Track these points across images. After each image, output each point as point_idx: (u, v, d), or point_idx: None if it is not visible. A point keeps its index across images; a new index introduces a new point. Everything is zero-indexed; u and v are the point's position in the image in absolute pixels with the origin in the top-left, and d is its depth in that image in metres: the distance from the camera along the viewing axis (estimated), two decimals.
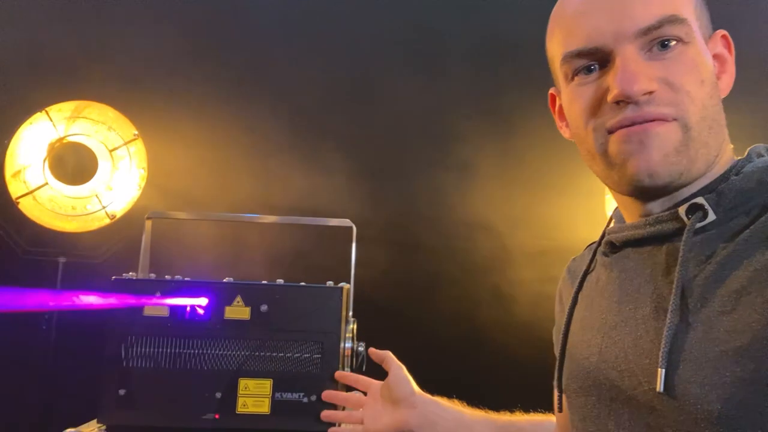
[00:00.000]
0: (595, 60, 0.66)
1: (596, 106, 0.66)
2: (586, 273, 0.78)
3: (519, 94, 1.73)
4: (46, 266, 1.70)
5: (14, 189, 1.64)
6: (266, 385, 1.10)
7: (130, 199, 1.73)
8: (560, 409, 0.80)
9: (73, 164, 1.71)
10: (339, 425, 1.10)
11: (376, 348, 1.12)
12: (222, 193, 1.76)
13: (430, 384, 1.07)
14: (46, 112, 1.67)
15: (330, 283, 1.17)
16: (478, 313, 1.79)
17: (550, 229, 1.76)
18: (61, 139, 1.69)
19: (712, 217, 0.61)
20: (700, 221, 0.61)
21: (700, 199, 0.61)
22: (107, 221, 1.71)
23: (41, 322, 1.65)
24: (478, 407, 1.04)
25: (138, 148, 1.75)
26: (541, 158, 1.79)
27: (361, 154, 1.83)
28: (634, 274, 0.67)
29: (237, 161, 1.80)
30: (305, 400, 1.10)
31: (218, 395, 1.09)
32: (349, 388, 1.14)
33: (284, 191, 1.75)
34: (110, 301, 1.06)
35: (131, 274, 1.16)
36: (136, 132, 1.73)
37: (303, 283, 1.17)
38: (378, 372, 1.09)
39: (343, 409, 1.13)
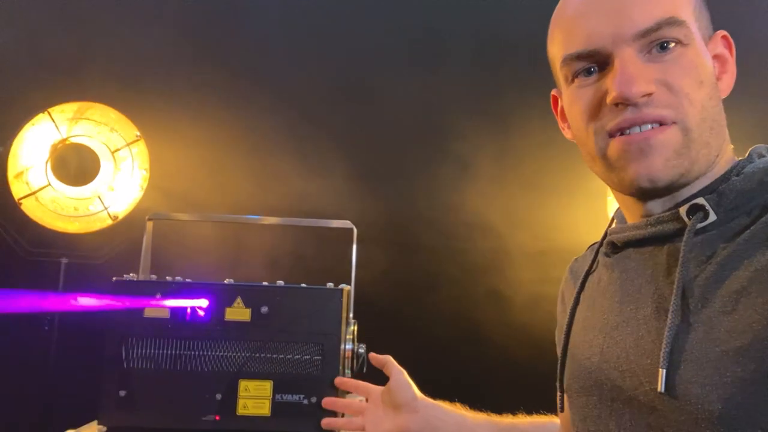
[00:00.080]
0: (595, 62, 0.66)
1: (596, 109, 0.66)
2: (588, 273, 0.78)
3: (519, 95, 1.73)
4: (48, 267, 1.70)
5: (17, 190, 1.64)
6: (266, 386, 1.10)
7: (132, 200, 1.74)
8: (562, 409, 0.79)
9: (75, 165, 1.71)
10: None
11: (377, 350, 1.12)
12: (223, 195, 1.76)
13: (430, 385, 1.07)
14: (49, 113, 1.67)
15: (330, 285, 1.17)
16: (478, 314, 1.78)
17: (551, 229, 1.75)
18: (64, 140, 1.70)
19: (712, 217, 0.61)
20: (700, 222, 0.61)
21: (700, 200, 0.62)
22: (109, 222, 1.72)
23: (43, 323, 1.65)
24: (480, 409, 1.03)
25: (140, 150, 1.75)
26: (542, 159, 1.79)
27: (361, 156, 1.83)
28: (635, 274, 0.68)
29: (238, 162, 1.80)
30: (305, 402, 1.10)
31: (218, 397, 1.09)
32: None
33: (285, 193, 1.75)
34: (110, 302, 1.06)
35: (132, 275, 1.16)
36: (139, 133, 1.74)
37: (303, 285, 1.17)
38: (379, 372, 1.09)
39: (343, 415, 1.12)
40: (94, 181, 1.72)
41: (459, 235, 1.81)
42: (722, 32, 0.69)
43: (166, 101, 1.80)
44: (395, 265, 1.75)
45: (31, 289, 1.67)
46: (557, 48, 0.70)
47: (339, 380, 1.11)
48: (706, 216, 0.61)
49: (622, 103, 0.63)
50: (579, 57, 0.66)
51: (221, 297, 1.12)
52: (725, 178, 0.64)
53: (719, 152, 0.65)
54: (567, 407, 0.78)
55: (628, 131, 0.63)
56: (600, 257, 0.77)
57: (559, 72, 0.71)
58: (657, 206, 0.67)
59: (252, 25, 1.85)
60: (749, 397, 0.52)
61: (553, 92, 0.79)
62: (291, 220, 1.38)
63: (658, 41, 0.63)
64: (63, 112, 1.70)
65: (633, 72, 0.62)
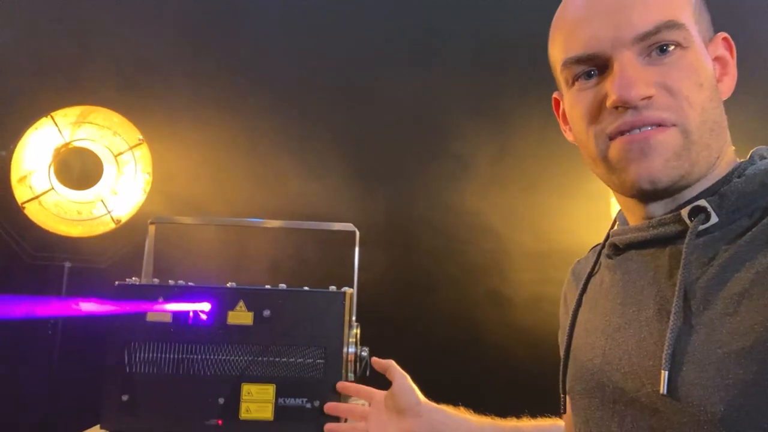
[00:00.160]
0: (594, 66, 0.66)
1: (596, 112, 0.67)
2: (590, 275, 0.78)
3: (520, 95, 1.73)
4: (51, 271, 1.71)
5: (20, 194, 1.65)
6: (269, 390, 1.10)
7: (135, 204, 1.74)
8: (565, 411, 0.80)
9: (78, 169, 1.72)
10: None
11: (381, 353, 1.12)
12: (226, 198, 1.76)
13: (433, 388, 1.07)
14: (52, 117, 1.67)
15: (333, 288, 1.17)
16: (480, 315, 1.78)
17: (553, 230, 1.75)
18: (67, 144, 1.70)
19: (714, 219, 0.61)
20: (702, 223, 0.61)
21: (702, 202, 0.62)
22: (112, 226, 1.72)
23: (47, 327, 1.65)
24: (483, 412, 1.03)
25: (143, 153, 1.75)
26: (543, 159, 1.78)
27: (361, 157, 1.83)
28: (637, 276, 0.68)
29: (241, 165, 1.80)
30: (308, 405, 1.10)
31: (221, 401, 1.08)
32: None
33: (287, 195, 1.75)
34: (112, 307, 1.06)
35: (134, 279, 1.16)
36: (141, 137, 1.74)
37: (306, 288, 1.17)
38: (383, 375, 1.08)
39: (346, 420, 1.12)
40: (97, 185, 1.72)
41: (460, 235, 1.81)
42: (723, 34, 0.69)
43: (168, 105, 1.81)
44: (397, 266, 1.75)
45: (34, 292, 1.67)
46: (558, 51, 0.71)
47: (341, 385, 1.10)
48: (708, 218, 0.61)
49: (622, 106, 0.63)
50: (579, 60, 0.67)
51: (223, 300, 1.12)
52: (727, 179, 0.64)
53: (720, 154, 0.65)
54: (569, 409, 0.78)
55: (628, 133, 0.64)
56: (602, 259, 0.78)
57: (560, 75, 0.72)
58: (658, 208, 0.67)
59: (253, 27, 1.86)
60: (751, 399, 0.52)
61: (555, 95, 0.79)
62: (293, 223, 1.38)
63: (657, 44, 0.63)
64: (66, 116, 1.70)
65: (632, 75, 0.62)
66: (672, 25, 0.63)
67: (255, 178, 1.78)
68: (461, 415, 1.02)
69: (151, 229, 1.27)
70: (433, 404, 1.03)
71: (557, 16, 0.72)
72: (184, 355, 1.09)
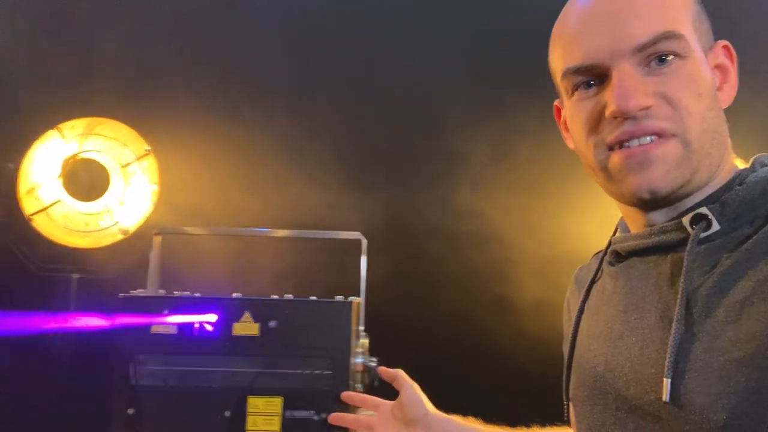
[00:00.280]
0: (594, 76, 0.67)
1: (595, 122, 0.67)
2: (593, 282, 0.79)
3: (529, 101, 1.71)
4: (59, 283, 1.70)
5: (28, 206, 1.65)
6: (276, 403, 1.08)
7: (143, 215, 1.73)
8: (568, 418, 0.80)
9: (85, 180, 1.72)
10: None
11: (390, 364, 1.10)
12: (233, 208, 1.76)
13: (441, 397, 1.05)
14: (59, 129, 1.68)
15: (339, 298, 1.15)
16: (488, 323, 1.76)
17: (561, 237, 1.73)
18: (74, 155, 1.70)
19: (716, 227, 0.61)
20: (704, 231, 0.62)
21: (703, 209, 0.62)
22: (120, 237, 1.72)
23: (55, 340, 1.65)
24: (493, 422, 1.01)
25: (150, 164, 1.75)
26: (550, 165, 1.77)
27: (367, 166, 1.82)
28: (639, 283, 0.68)
29: (247, 175, 1.79)
30: (316, 418, 1.08)
31: (227, 414, 1.07)
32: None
33: (292, 205, 1.74)
34: (117, 320, 1.05)
35: (139, 291, 1.15)
36: (148, 147, 1.74)
37: (313, 298, 1.15)
38: (392, 386, 1.06)
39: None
40: (104, 196, 1.72)
41: (465, 241, 1.79)
42: (723, 42, 0.69)
43: (175, 115, 1.81)
44: (402, 274, 1.73)
45: (42, 304, 1.67)
46: (558, 61, 0.71)
47: (346, 395, 1.09)
48: (709, 225, 0.62)
49: (621, 116, 0.63)
50: (578, 71, 0.67)
51: (229, 312, 1.10)
52: (728, 187, 0.64)
53: (721, 162, 0.66)
54: (573, 416, 0.78)
55: (627, 144, 0.64)
56: (604, 266, 0.78)
57: (560, 84, 0.72)
58: (659, 216, 0.68)
59: (257, 38, 1.85)
60: (753, 407, 0.52)
61: (556, 103, 0.80)
62: (300, 232, 1.37)
63: (656, 55, 0.63)
64: (73, 128, 1.71)
65: (630, 86, 0.62)
66: (670, 35, 0.63)
67: (261, 188, 1.77)
68: (471, 425, 1.01)
69: (156, 240, 1.26)
70: (443, 414, 1.02)
71: (557, 26, 0.72)
72: (189, 368, 1.08)
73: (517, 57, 1.74)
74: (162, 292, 1.17)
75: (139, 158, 1.74)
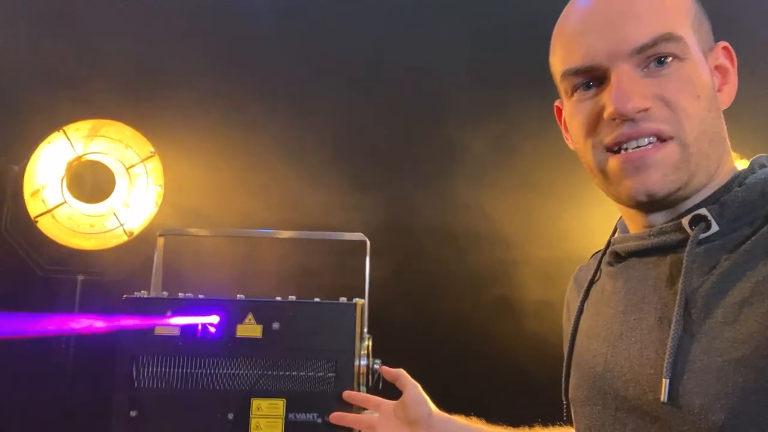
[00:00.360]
0: (592, 78, 0.67)
1: (594, 123, 0.67)
2: (592, 282, 0.79)
3: (532, 101, 1.70)
4: (64, 284, 1.70)
5: (33, 208, 1.65)
6: (279, 405, 1.07)
7: (147, 217, 1.73)
8: (567, 418, 0.80)
9: (90, 182, 1.72)
10: None
11: (390, 364, 1.09)
12: (237, 209, 1.75)
13: (444, 397, 1.04)
14: (64, 132, 1.68)
15: (343, 299, 1.14)
16: (491, 324, 1.75)
17: (564, 237, 1.73)
18: (79, 157, 1.70)
19: (715, 228, 0.62)
20: (703, 232, 0.62)
21: (703, 210, 0.62)
22: (125, 239, 1.72)
23: (60, 342, 1.65)
24: (496, 422, 1.02)
25: (155, 166, 1.75)
26: (552, 165, 1.76)
27: (369, 167, 1.81)
28: (638, 284, 0.69)
29: (252, 176, 1.79)
30: (319, 420, 1.07)
31: (230, 416, 1.06)
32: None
33: (294, 206, 1.74)
34: (120, 322, 1.05)
35: (143, 293, 1.14)
36: (153, 149, 1.74)
37: (317, 300, 1.14)
38: (397, 389, 1.06)
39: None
40: (109, 198, 1.72)
41: (468, 243, 1.79)
42: (723, 43, 0.69)
43: (180, 117, 1.80)
44: (404, 274, 1.73)
45: (47, 306, 1.67)
46: (558, 62, 0.72)
47: (347, 394, 1.08)
48: (709, 226, 0.62)
49: (619, 118, 0.64)
50: (577, 72, 0.68)
51: (232, 313, 1.10)
52: (727, 188, 0.65)
53: (719, 163, 0.66)
54: (572, 416, 0.78)
55: (625, 146, 0.65)
56: (603, 266, 0.78)
57: (560, 85, 0.73)
58: (659, 218, 0.68)
59: (262, 41, 1.85)
60: (752, 407, 0.52)
61: (557, 103, 0.80)
62: (304, 233, 1.36)
63: (654, 57, 0.63)
64: (78, 130, 1.71)
65: (628, 88, 0.63)
66: (669, 37, 0.63)
67: (264, 189, 1.77)
68: (474, 425, 1.01)
69: (160, 241, 1.26)
70: (445, 415, 1.02)
71: (557, 28, 0.73)
72: (192, 370, 1.07)
73: (519, 56, 1.74)
74: (165, 293, 1.16)
75: (143, 160, 1.74)
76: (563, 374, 0.79)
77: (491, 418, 1.02)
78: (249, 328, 1.10)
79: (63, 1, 1.76)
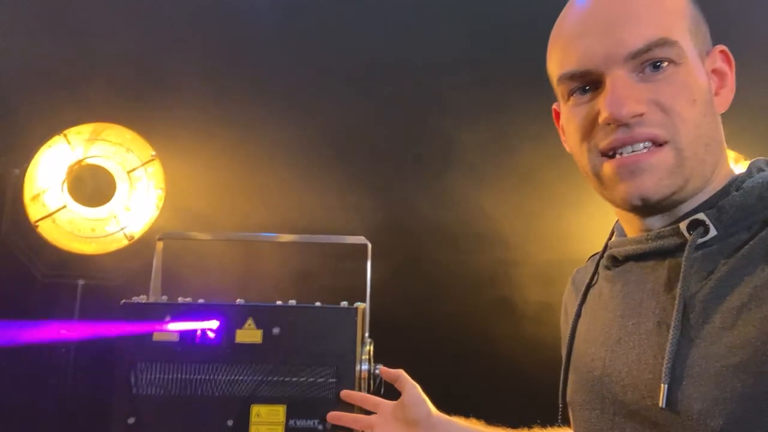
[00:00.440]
0: (588, 82, 0.67)
1: (590, 127, 0.68)
2: (589, 286, 0.79)
3: (531, 103, 1.68)
4: (65, 289, 1.70)
5: (33, 212, 1.65)
6: (279, 411, 1.06)
7: (148, 220, 1.73)
8: (564, 422, 0.80)
9: (91, 186, 1.72)
10: None
11: (390, 365, 1.08)
12: (238, 213, 1.74)
13: (443, 398, 1.04)
14: (65, 135, 1.68)
15: (344, 303, 1.12)
16: (490, 325, 1.74)
17: (564, 239, 1.72)
18: (80, 161, 1.70)
19: (713, 232, 0.62)
20: (701, 237, 0.62)
21: (701, 215, 0.63)
22: (126, 242, 1.71)
23: (60, 347, 1.64)
24: (495, 423, 1.01)
25: (155, 169, 1.74)
26: (552, 167, 1.75)
27: (370, 170, 1.81)
28: (636, 288, 0.68)
29: (252, 180, 1.78)
30: (320, 427, 1.05)
31: (230, 423, 1.04)
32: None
33: (294, 210, 1.73)
34: (118, 328, 1.03)
35: (141, 297, 1.13)
36: (154, 153, 1.73)
37: (317, 304, 1.12)
38: (398, 393, 1.04)
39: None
40: (110, 202, 1.72)
41: (470, 245, 1.78)
42: (720, 47, 0.69)
43: (180, 120, 1.80)
44: (404, 277, 1.72)
45: (47, 311, 1.66)
46: (554, 66, 0.72)
47: (345, 393, 1.06)
48: (707, 231, 0.62)
49: (613, 123, 0.64)
50: (573, 77, 0.68)
51: (231, 318, 1.08)
52: (725, 192, 0.64)
53: (715, 168, 0.66)
54: (571, 420, 0.78)
55: (620, 151, 0.65)
56: (601, 270, 0.78)
57: (557, 89, 0.73)
58: (655, 221, 0.68)
59: (264, 43, 1.84)
60: (750, 413, 0.53)
61: (554, 106, 0.80)
62: (305, 237, 1.34)
63: (650, 61, 0.64)
64: (79, 133, 1.71)
65: (623, 93, 0.63)
66: (664, 42, 0.63)
67: (265, 192, 1.76)
68: (473, 426, 1.01)
69: (159, 245, 1.25)
70: (444, 416, 1.01)
71: (554, 32, 0.73)
72: (191, 376, 1.06)
73: (520, 58, 1.72)
74: (165, 298, 1.15)
75: (144, 163, 1.73)
76: (561, 377, 0.79)
77: (491, 420, 1.02)
78: (249, 334, 1.08)
79: (63, 4, 1.75)
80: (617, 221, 0.78)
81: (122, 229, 1.70)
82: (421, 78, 1.84)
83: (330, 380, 1.07)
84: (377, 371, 1.11)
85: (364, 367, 1.10)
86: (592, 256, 0.85)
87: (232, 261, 1.67)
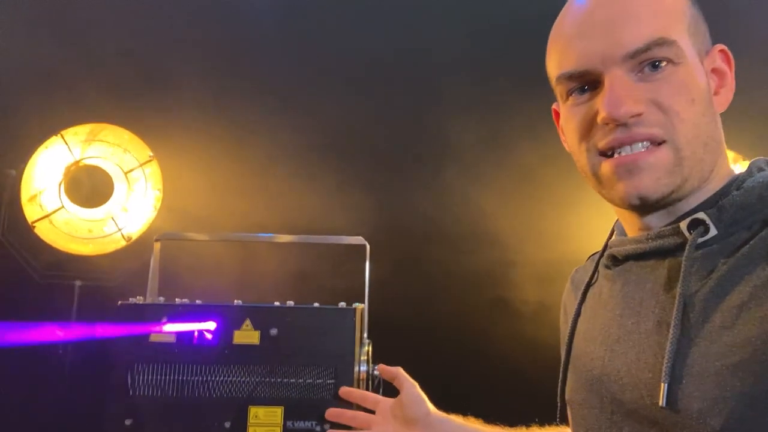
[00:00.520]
0: (586, 82, 0.67)
1: (588, 127, 0.68)
2: (589, 285, 0.79)
3: (530, 103, 1.68)
4: (62, 290, 1.69)
5: (30, 213, 1.64)
6: (277, 413, 1.05)
7: (146, 221, 1.72)
8: (562, 420, 0.80)
9: (88, 187, 1.71)
10: None
11: (390, 365, 1.08)
12: (235, 213, 1.74)
13: (441, 397, 1.03)
14: (62, 136, 1.67)
15: (342, 304, 1.12)
16: (488, 325, 1.75)
17: (561, 239, 1.72)
18: (77, 162, 1.69)
19: (713, 232, 0.62)
20: (701, 236, 0.62)
21: (701, 215, 0.62)
22: (123, 243, 1.70)
23: (57, 348, 1.63)
24: (493, 422, 1.02)
25: (153, 170, 1.74)
26: (549, 167, 1.75)
27: (367, 170, 1.80)
28: (636, 287, 0.68)
29: (251, 180, 1.77)
30: (318, 428, 1.05)
31: (227, 425, 1.04)
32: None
33: (292, 210, 1.72)
34: (115, 329, 1.03)
35: (139, 299, 1.12)
36: (151, 153, 1.72)
37: (315, 305, 1.12)
38: (396, 393, 1.04)
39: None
40: (107, 203, 1.71)
41: (468, 246, 1.78)
42: (720, 46, 0.69)
43: (178, 121, 1.79)
44: (402, 278, 1.72)
45: (45, 312, 1.65)
46: (553, 66, 0.72)
47: (344, 390, 1.05)
48: (707, 230, 0.62)
49: (612, 123, 0.64)
50: (571, 77, 0.68)
51: (229, 319, 1.08)
52: (725, 192, 0.64)
53: (714, 167, 0.66)
54: (570, 419, 0.78)
55: (618, 150, 0.65)
56: (600, 269, 0.78)
57: (556, 89, 0.73)
58: (655, 220, 0.68)
59: (262, 44, 1.84)
60: (749, 412, 0.53)
61: (554, 106, 0.80)
62: (304, 237, 1.34)
63: (648, 61, 0.63)
64: (76, 134, 1.70)
65: (621, 93, 0.63)
66: (663, 42, 0.63)
67: (262, 193, 1.75)
68: (472, 425, 1.01)
69: (156, 246, 1.24)
70: (443, 414, 1.02)
71: (553, 32, 0.73)
72: (188, 377, 1.05)
73: (519, 58, 1.72)
74: (162, 299, 1.14)
75: (142, 164, 1.72)
76: (560, 376, 0.79)
77: (489, 419, 1.02)
78: (246, 335, 1.08)
79: (61, 3, 1.75)
80: (617, 220, 0.78)
81: (120, 230, 1.69)
82: (419, 78, 1.84)
83: (328, 381, 1.07)
84: (376, 372, 1.10)
85: (363, 368, 1.10)
86: (592, 255, 0.85)
87: (229, 262, 1.67)
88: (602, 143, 0.66)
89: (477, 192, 1.78)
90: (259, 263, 1.68)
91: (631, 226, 0.72)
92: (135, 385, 1.04)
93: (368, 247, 1.24)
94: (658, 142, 0.63)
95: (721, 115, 0.69)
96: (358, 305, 1.13)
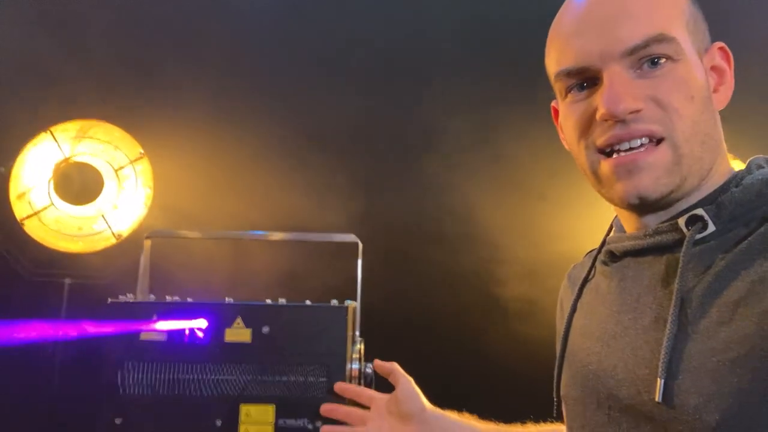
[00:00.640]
0: (585, 79, 0.67)
1: (587, 124, 0.68)
2: (585, 281, 0.79)
3: (522, 103, 1.69)
4: (51, 288, 1.67)
5: (19, 210, 1.62)
6: (269, 411, 1.05)
7: (136, 219, 1.71)
8: (558, 417, 0.81)
9: (78, 184, 1.69)
10: None
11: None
12: (227, 211, 1.73)
13: (436, 393, 1.04)
14: (51, 133, 1.65)
15: (334, 302, 1.12)
16: (480, 323, 1.75)
17: (552, 238, 1.73)
18: (67, 159, 1.68)
19: (711, 228, 0.62)
20: (699, 232, 0.62)
21: (699, 211, 0.62)
22: (113, 241, 1.69)
23: (47, 347, 1.62)
24: (488, 418, 1.02)
25: (144, 167, 1.72)
26: (540, 167, 1.76)
27: (360, 169, 1.81)
28: (633, 283, 0.68)
29: (241, 179, 1.77)
30: (310, 426, 1.05)
31: (219, 423, 1.04)
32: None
33: (283, 209, 1.72)
34: (105, 327, 1.02)
35: (129, 296, 1.12)
36: (142, 151, 1.71)
37: (307, 303, 1.12)
38: (390, 389, 1.04)
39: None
40: (97, 200, 1.70)
41: (459, 245, 1.78)
42: (719, 44, 0.70)
43: (169, 118, 1.78)
44: (394, 276, 1.72)
45: (34, 310, 1.64)
46: (552, 63, 0.72)
47: (339, 386, 1.05)
48: (705, 227, 0.62)
49: (610, 119, 0.64)
50: (570, 74, 0.68)
51: (220, 317, 1.07)
52: (724, 189, 0.64)
53: (713, 165, 0.66)
54: (564, 414, 0.78)
55: (617, 147, 0.65)
56: (598, 265, 0.78)
57: (554, 86, 0.74)
58: (653, 219, 0.68)
59: (255, 43, 1.83)
60: (746, 408, 0.53)
61: (553, 104, 0.80)
62: (295, 235, 1.34)
63: (647, 58, 0.64)
64: (66, 131, 1.68)
65: (620, 89, 0.63)
66: (662, 38, 0.63)
67: (254, 190, 1.75)
68: (466, 421, 1.01)
69: (147, 244, 1.24)
70: (438, 410, 1.02)
71: (552, 29, 0.73)
72: (179, 376, 1.05)
73: (511, 56, 1.73)
74: (152, 297, 1.14)
75: (132, 161, 1.71)
76: (555, 372, 0.79)
77: (484, 415, 1.03)
78: (238, 333, 1.07)
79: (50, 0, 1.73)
80: (616, 217, 0.78)
81: (110, 227, 1.68)
82: (411, 75, 1.84)
83: (320, 379, 1.07)
84: (369, 369, 1.10)
85: (355, 365, 1.10)
86: (590, 251, 0.85)
87: (220, 259, 1.66)
88: (601, 140, 0.66)
89: (470, 190, 1.79)
90: (251, 261, 1.67)
91: (630, 223, 0.72)
92: (125, 384, 1.04)
93: (360, 244, 1.24)
94: (656, 140, 0.63)
95: (721, 115, 0.69)
96: (350, 303, 1.13)
